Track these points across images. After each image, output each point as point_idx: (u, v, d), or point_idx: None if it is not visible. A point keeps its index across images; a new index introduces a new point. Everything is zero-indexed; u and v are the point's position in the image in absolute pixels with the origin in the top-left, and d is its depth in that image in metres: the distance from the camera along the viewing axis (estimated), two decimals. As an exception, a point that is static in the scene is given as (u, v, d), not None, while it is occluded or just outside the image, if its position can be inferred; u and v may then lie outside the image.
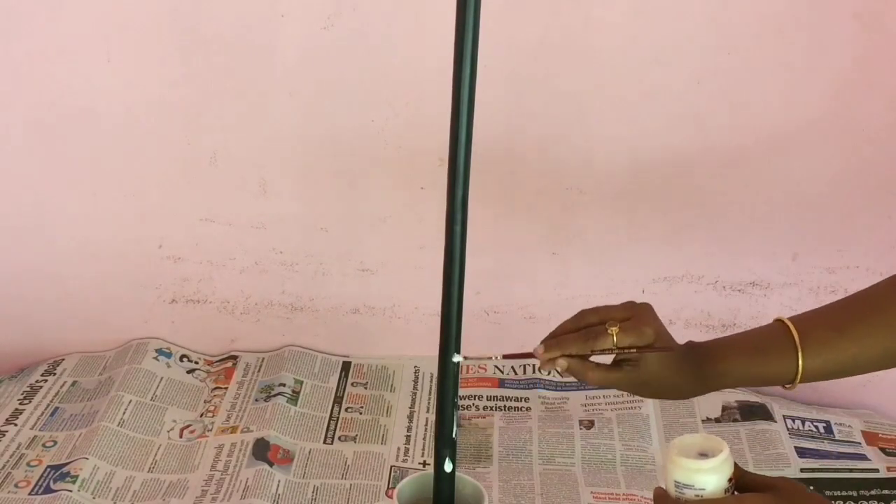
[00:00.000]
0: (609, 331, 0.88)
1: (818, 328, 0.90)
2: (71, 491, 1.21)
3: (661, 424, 1.37)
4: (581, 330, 0.89)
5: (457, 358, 0.87)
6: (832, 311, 0.92)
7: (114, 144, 1.36)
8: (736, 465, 0.80)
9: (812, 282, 1.41)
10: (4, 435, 1.32)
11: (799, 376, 0.89)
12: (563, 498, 1.24)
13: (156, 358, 1.46)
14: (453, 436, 0.88)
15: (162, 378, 1.44)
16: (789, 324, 0.90)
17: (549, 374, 1.48)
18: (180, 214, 1.41)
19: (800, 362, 0.88)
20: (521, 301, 1.47)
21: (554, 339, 0.89)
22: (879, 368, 0.91)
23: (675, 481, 0.80)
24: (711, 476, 0.79)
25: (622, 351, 0.88)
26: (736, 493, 0.80)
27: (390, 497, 1.20)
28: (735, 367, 0.91)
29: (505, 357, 0.95)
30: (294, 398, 1.41)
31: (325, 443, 1.34)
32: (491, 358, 1.06)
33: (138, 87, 1.33)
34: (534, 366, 1.49)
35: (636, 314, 0.90)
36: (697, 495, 0.79)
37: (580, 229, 1.41)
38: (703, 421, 1.38)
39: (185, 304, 1.48)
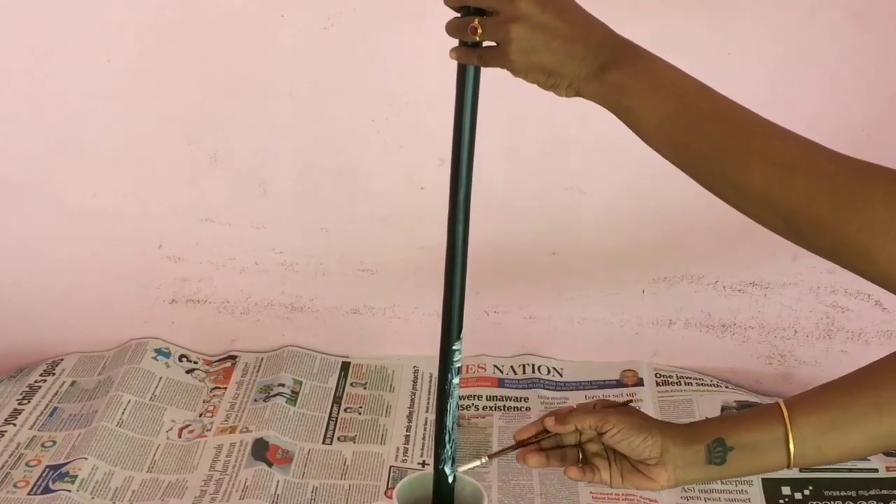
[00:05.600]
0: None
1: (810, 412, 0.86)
2: (70, 491, 1.21)
3: (660, 425, 1.37)
4: None
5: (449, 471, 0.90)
6: (825, 393, 0.87)
7: (113, 144, 1.36)
8: None
9: (812, 282, 1.41)
10: (3, 435, 1.32)
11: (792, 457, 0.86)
12: (563, 498, 1.24)
13: (155, 358, 1.46)
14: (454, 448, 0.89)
15: (161, 378, 1.43)
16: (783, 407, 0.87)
17: (548, 373, 1.48)
18: (180, 214, 1.41)
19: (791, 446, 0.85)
20: (521, 301, 1.47)
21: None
22: (874, 452, 0.87)
23: None
24: None
25: None
26: None
27: (389, 497, 1.20)
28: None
29: (490, 457, 0.95)
30: (293, 398, 1.40)
31: (324, 443, 1.34)
32: (480, 461, 1.02)
33: (138, 86, 1.32)
34: (533, 365, 1.49)
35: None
36: None
37: (580, 229, 1.41)
38: (702, 421, 1.37)
39: (185, 304, 1.48)
